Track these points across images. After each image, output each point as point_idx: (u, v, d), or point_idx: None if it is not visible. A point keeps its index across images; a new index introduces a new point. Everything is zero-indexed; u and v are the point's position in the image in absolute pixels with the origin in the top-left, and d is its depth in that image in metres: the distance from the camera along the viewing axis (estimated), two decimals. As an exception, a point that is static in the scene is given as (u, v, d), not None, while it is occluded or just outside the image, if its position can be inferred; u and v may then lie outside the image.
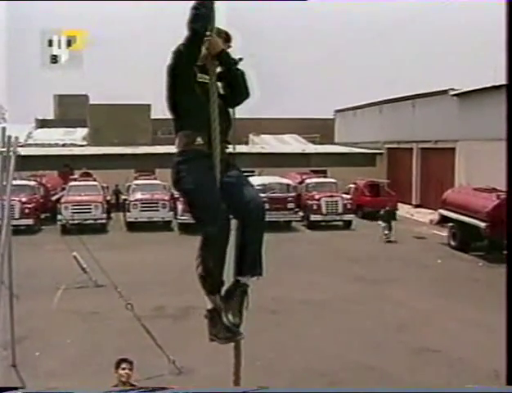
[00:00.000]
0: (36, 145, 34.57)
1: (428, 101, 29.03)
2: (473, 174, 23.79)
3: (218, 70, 3.43)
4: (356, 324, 11.09)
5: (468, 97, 26.00)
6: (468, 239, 18.38)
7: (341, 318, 11.50)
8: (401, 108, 31.65)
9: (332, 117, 42.96)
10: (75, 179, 25.86)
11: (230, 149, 3.55)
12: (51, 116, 49.96)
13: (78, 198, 22.55)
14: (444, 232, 19.92)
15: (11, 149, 8.09)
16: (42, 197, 23.79)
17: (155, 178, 25.29)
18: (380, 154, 33.08)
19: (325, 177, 27.86)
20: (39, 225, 22.35)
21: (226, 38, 3.47)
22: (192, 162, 3.36)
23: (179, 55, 3.32)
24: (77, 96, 47.36)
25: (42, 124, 46.35)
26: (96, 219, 22.38)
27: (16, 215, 20.32)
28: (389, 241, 20.21)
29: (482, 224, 17.13)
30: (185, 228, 20.48)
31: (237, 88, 3.50)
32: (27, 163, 22.18)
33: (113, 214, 24.99)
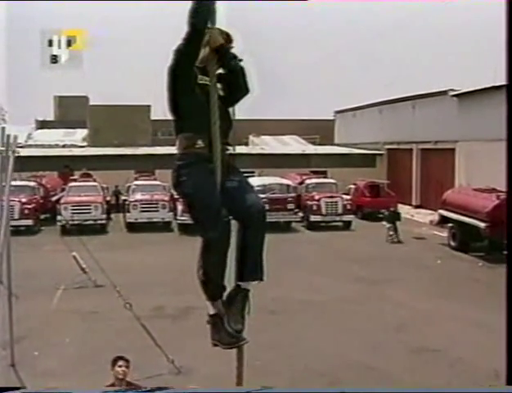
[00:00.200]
0: (36, 146, 34.57)
1: (427, 102, 29.04)
2: (473, 175, 23.79)
3: (220, 71, 3.43)
4: (356, 324, 11.08)
5: (468, 98, 25.99)
6: (468, 239, 18.36)
7: (341, 318, 11.49)
8: (400, 109, 31.66)
9: (332, 118, 42.98)
10: (75, 180, 25.86)
11: (230, 150, 3.53)
12: (51, 117, 50.01)
13: (78, 199, 22.53)
14: (444, 233, 19.91)
15: (10, 148, 8.08)
16: (41, 198, 23.77)
17: (155, 179, 25.27)
18: (380, 155, 33.08)
19: (324, 178, 27.87)
20: (39, 226, 22.33)
21: (228, 39, 3.47)
22: (193, 166, 3.34)
23: (179, 55, 3.31)
24: (77, 97, 47.36)
25: (42, 125, 46.37)
26: (95, 220, 22.36)
27: (16, 216, 20.33)
28: (394, 242, 20.20)
29: (482, 225, 17.13)
30: (184, 229, 20.48)
31: (236, 84, 3.48)
32: (27, 164, 22.25)
33: (113, 215, 24.97)
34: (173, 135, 3.50)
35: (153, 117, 40.50)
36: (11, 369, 8.69)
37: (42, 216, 23.31)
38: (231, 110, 3.54)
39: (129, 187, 24.58)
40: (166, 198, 22.68)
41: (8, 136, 8.19)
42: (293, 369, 8.85)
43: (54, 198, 24.51)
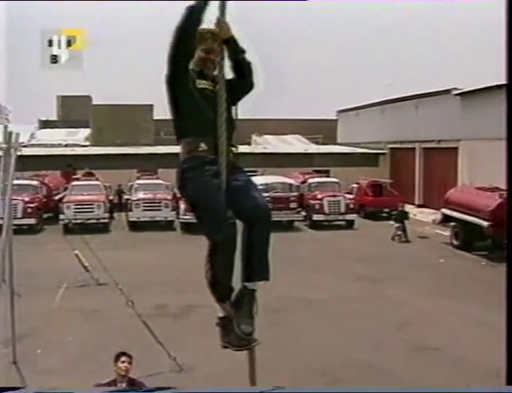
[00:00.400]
0: (39, 145, 34.61)
1: (430, 101, 28.99)
2: (476, 174, 23.73)
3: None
4: (357, 323, 11.07)
5: (470, 97, 25.94)
6: (471, 238, 18.33)
7: (343, 317, 11.48)
8: (403, 108, 31.60)
9: (335, 118, 42.95)
10: (78, 179, 25.90)
11: (234, 151, 3.54)
12: (54, 117, 50.03)
13: (81, 198, 22.59)
14: (447, 232, 19.88)
15: (12, 146, 8.09)
16: (44, 197, 23.83)
17: (158, 178, 25.31)
18: (383, 154, 33.05)
19: (327, 177, 27.86)
20: (42, 225, 22.38)
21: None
22: (197, 170, 3.35)
23: (173, 61, 3.32)
24: (80, 97, 47.35)
25: (45, 124, 46.39)
26: (98, 219, 22.41)
27: (19, 215, 20.39)
28: (403, 242, 20.19)
29: (485, 223, 17.09)
30: (187, 228, 20.49)
31: (244, 78, 3.48)
32: (30, 163, 22.33)
33: (115, 214, 25.02)
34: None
35: (155, 116, 40.48)
36: (13, 367, 8.72)
37: (45, 215, 23.37)
38: (233, 111, 3.54)
39: (132, 186, 24.62)
40: (168, 197, 22.71)
41: (10, 133, 8.20)
42: (293, 368, 8.83)
43: (57, 197, 24.58)
